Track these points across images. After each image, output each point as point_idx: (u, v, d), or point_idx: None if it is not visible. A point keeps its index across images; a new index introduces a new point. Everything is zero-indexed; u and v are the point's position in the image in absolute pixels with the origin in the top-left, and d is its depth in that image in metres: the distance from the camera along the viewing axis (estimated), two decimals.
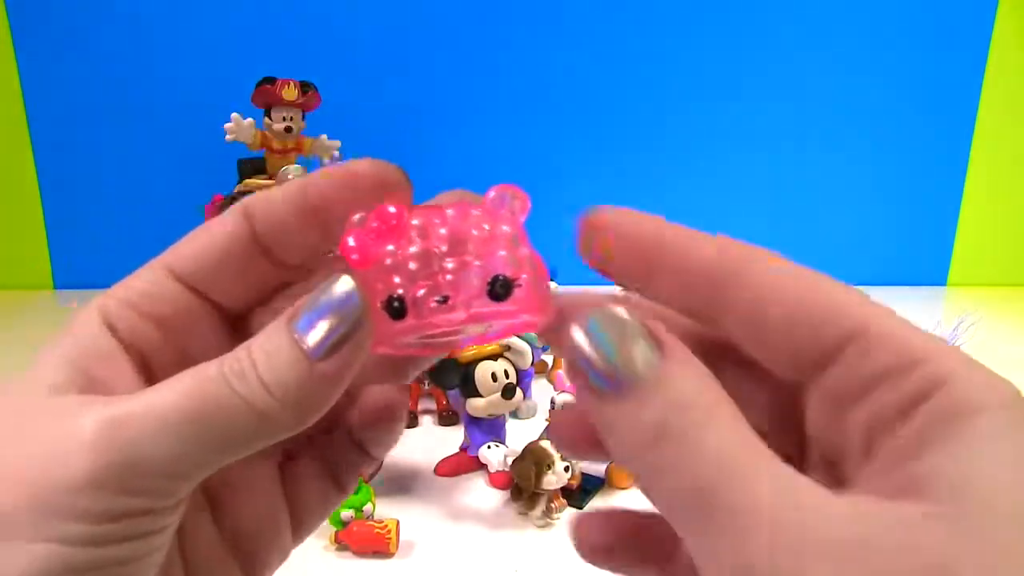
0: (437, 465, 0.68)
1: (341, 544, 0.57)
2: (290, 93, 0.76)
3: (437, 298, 0.17)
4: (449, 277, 0.17)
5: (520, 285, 0.17)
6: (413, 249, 0.17)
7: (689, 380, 0.15)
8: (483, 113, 1.17)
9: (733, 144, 1.20)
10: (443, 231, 0.18)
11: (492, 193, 0.19)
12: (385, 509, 0.61)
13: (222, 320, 0.20)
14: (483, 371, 0.65)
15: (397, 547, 0.57)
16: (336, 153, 0.83)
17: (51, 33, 1.11)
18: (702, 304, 0.17)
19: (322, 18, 1.11)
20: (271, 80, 0.76)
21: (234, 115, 0.76)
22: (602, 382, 0.15)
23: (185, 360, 0.18)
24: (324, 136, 0.82)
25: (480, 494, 0.65)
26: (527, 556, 0.57)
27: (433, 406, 0.79)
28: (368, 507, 0.57)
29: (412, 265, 0.17)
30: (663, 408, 0.15)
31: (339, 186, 0.19)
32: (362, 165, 0.19)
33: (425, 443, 0.71)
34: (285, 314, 0.17)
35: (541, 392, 0.80)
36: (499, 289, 0.17)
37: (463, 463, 0.68)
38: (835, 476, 0.16)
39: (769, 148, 1.20)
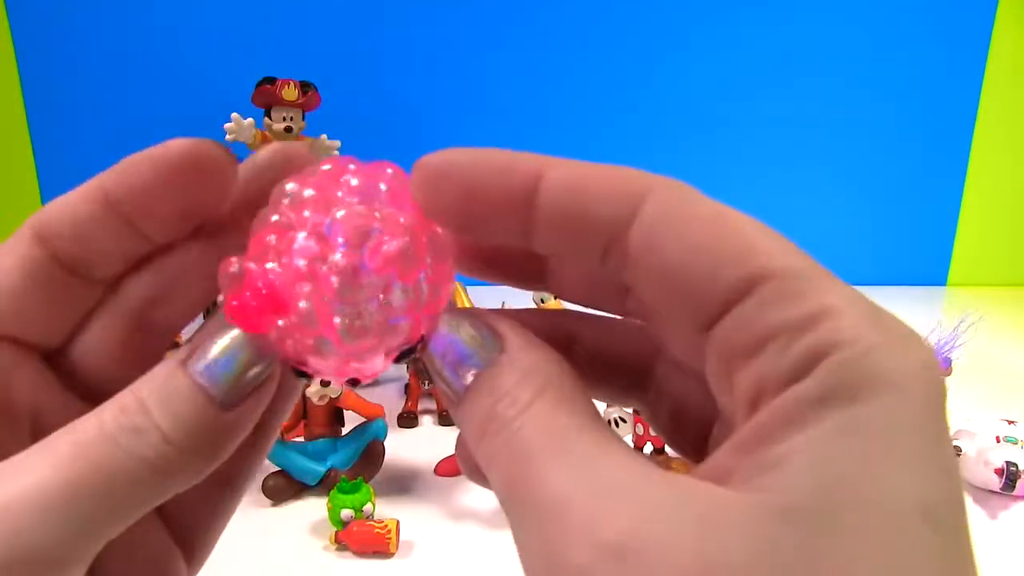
0: (437, 465, 0.68)
1: (341, 544, 0.57)
2: (290, 93, 0.76)
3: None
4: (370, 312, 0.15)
5: (416, 351, 0.16)
6: (303, 304, 0.15)
7: (517, 369, 0.14)
8: (483, 113, 1.17)
9: (732, 143, 1.20)
10: (338, 256, 0.15)
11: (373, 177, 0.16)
12: (385, 509, 0.61)
13: (38, 358, 0.16)
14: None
15: (397, 547, 0.57)
16: (336, 153, 0.83)
17: (51, 33, 1.11)
18: (589, 255, 0.14)
19: (322, 18, 1.11)
20: (271, 80, 0.76)
21: (234, 115, 0.76)
22: (450, 385, 0.15)
23: (11, 418, 0.15)
24: (324, 136, 0.82)
25: (480, 494, 0.65)
26: None
27: (433, 406, 0.79)
28: (368, 507, 0.57)
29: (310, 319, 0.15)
30: (489, 400, 0.14)
31: (145, 177, 0.16)
32: (169, 148, 0.16)
33: (425, 443, 0.71)
34: (175, 356, 0.15)
35: None
36: (406, 355, 0.16)
37: None
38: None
39: (768, 148, 1.20)
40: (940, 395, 0.12)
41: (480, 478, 0.16)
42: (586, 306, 0.18)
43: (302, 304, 0.15)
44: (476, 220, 0.15)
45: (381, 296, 0.15)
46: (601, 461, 0.12)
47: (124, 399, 0.14)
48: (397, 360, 0.16)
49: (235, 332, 0.15)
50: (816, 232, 1.24)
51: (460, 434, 0.17)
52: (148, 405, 0.14)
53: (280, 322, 0.15)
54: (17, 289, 0.16)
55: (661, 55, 1.16)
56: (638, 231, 0.14)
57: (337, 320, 0.15)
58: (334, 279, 0.15)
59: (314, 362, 0.15)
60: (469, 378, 0.15)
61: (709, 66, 1.17)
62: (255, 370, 0.15)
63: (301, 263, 0.15)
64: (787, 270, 0.13)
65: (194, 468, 0.15)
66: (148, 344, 0.17)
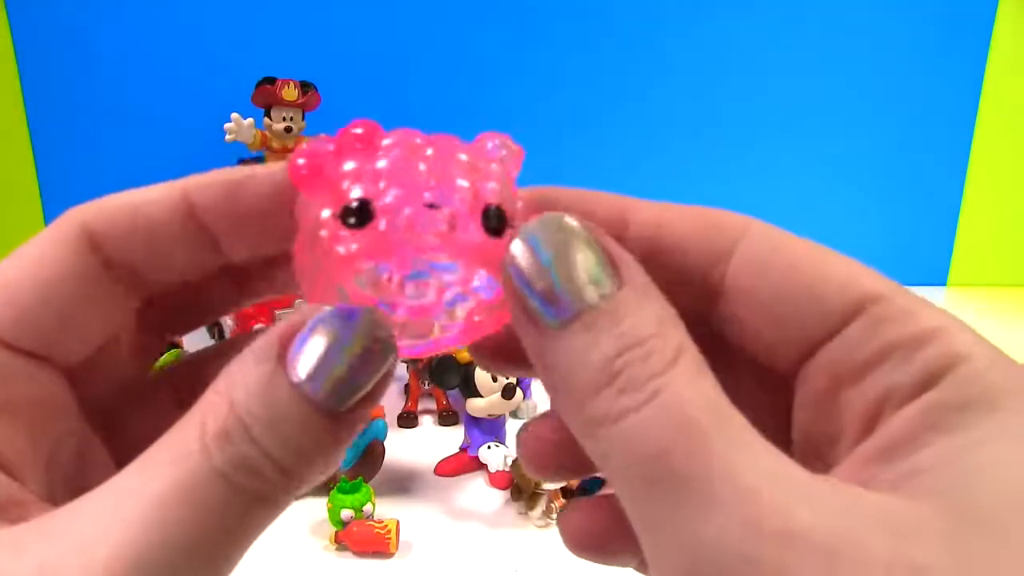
0: (437, 465, 0.68)
1: (341, 544, 0.57)
2: (290, 93, 0.76)
3: (423, 203, 0.13)
4: (433, 185, 0.13)
5: (513, 227, 0.14)
6: (383, 164, 0.13)
7: (648, 314, 0.12)
8: (483, 113, 1.17)
9: (731, 143, 1.20)
10: (429, 151, 0.14)
11: (483, 139, 0.15)
12: (385, 509, 0.61)
13: (65, 378, 0.15)
14: (483, 371, 0.65)
15: (397, 547, 0.57)
16: None
17: (51, 33, 1.11)
18: (691, 286, 0.15)
19: (322, 18, 1.11)
20: (271, 80, 0.76)
21: (234, 115, 0.76)
22: (543, 308, 0.13)
23: (36, 454, 0.14)
24: (324, 136, 0.82)
25: (480, 494, 0.65)
26: (527, 556, 0.57)
27: (433, 406, 0.79)
28: (368, 507, 0.57)
29: (385, 180, 0.13)
30: (615, 345, 0.12)
31: (250, 193, 0.15)
32: (276, 172, 0.15)
33: (425, 443, 0.71)
34: (266, 350, 0.13)
35: (541, 392, 0.80)
36: (493, 220, 0.13)
37: (463, 463, 0.68)
38: (818, 468, 0.13)
39: (768, 147, 1.20)
40: None
41: (567, 474, 0.15)
42: None
43: (382, 164, 0.13)
44: None
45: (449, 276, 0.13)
46: (765, 448, 0.12)
47: (226, 421, 0.12)
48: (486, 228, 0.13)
49: (333, 318, 0.13)
50: (816, 232, 1.23)
51: (527, 428, 0.16)
52: (254, 432, 0.12)
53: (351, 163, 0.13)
54: (63, 301, 0.14)
55: (661, 55, 1.16)
56: (740, 264, 0.14)
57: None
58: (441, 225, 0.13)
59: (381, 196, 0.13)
60: (578, 304, 0.12)
61: (709, 66, 1.17)
62: (371, 360, 0.13)
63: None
64: (893, 292, 0.13)
65: (310, 486, 0.13)
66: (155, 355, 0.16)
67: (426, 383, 0.78)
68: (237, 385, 0.13)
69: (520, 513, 0.62)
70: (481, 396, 0.65)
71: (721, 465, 0.11)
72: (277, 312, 0.79)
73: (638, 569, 0.16)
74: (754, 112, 1.18)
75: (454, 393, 0.69)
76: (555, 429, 0.16)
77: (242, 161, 0.93)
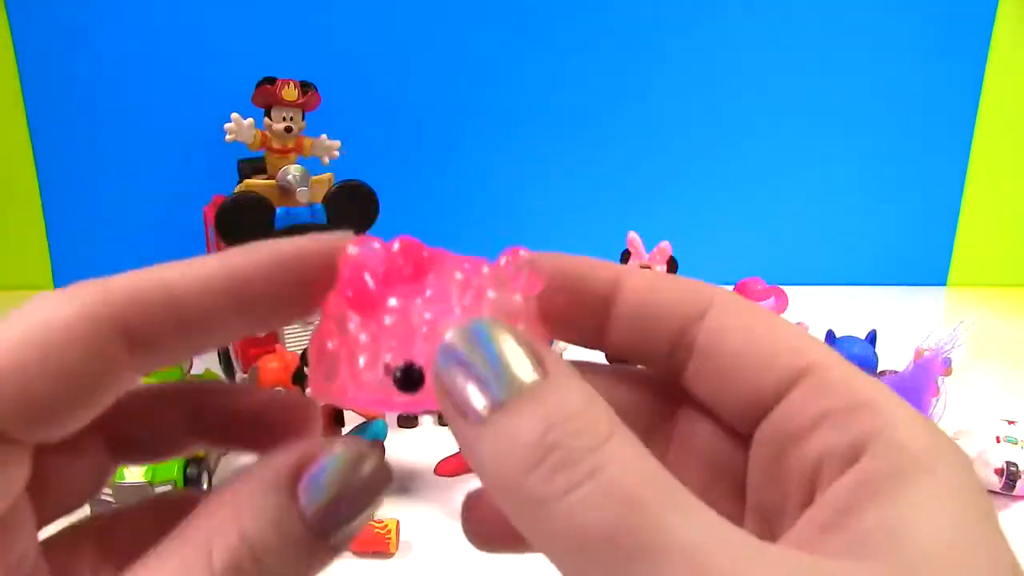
0: (437, 465, 0.68)
1: None
2: (290, 93, 0.76)
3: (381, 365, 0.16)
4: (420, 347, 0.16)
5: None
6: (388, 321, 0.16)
7: (574, 394, 0.13)
8: (483, 113, 1.17)
9: (730, 144, 1.20)
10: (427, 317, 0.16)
11: (503, 260, 0.17)
12: (385, 509, 0.61)
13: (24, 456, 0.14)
14: None
15: (397, 547, 0.57)
16: (337, 153, 0.83)
17: (51, 33, 1.11)
18: (667, 347, 0.16)
19: (322, 18, 1.11)
20: (271, 80, 0.76)
21: (234, 115, 0.76)
22: (470, 401, 0.13)
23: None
24: (324, 136, 0.82)
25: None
26: (527, 556, 0.57)
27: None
28: None
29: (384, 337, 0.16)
30: (542, 424, 0.12)
31: (303, 268, 0.16)
32: (324, 244, 0.16)
33: (425, 443, 0.71)
34: (278, 478, 0.14)
35: None
36: (400, 376, 0.16)
37: (463, 463, 0.68)
38: (769, 533, 0.14)
39: (767, 147, 1.20)
40: (977, 477, 0.13)
41: (515, 548, 0.16)
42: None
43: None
44: (558, 319, 0.16)
45: None
46: (713, 518, 0.12)
47: (237, 554, 0.12)
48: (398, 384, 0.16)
49: (366, 462, 0.14)
50: (816, 232, 1.24)
51: (471, 497, 0.17)
52: (266, 564, 0.13)
53: (393, 300, 0.16)
54: (56, 374, 0.13)
55: (661, 56, 1.16)
56: (709, 327, 0.16)
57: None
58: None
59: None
60: (503, 394, 0.13)
61: (708, 66, 1.17)
62: (373, 495, 0.14)
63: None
64: (832, 363, 0.15)
65: None
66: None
67: None
68: (247, 514, 0.13)
69: None
70: None
71: (672, 538, 0.11)
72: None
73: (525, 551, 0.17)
74: (753, 112, 1.18)
75: None
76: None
77: (242, 161, 0.93)
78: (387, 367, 0.16)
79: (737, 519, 0.14)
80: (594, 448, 0.12)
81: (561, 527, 0.12)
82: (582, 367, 0.16)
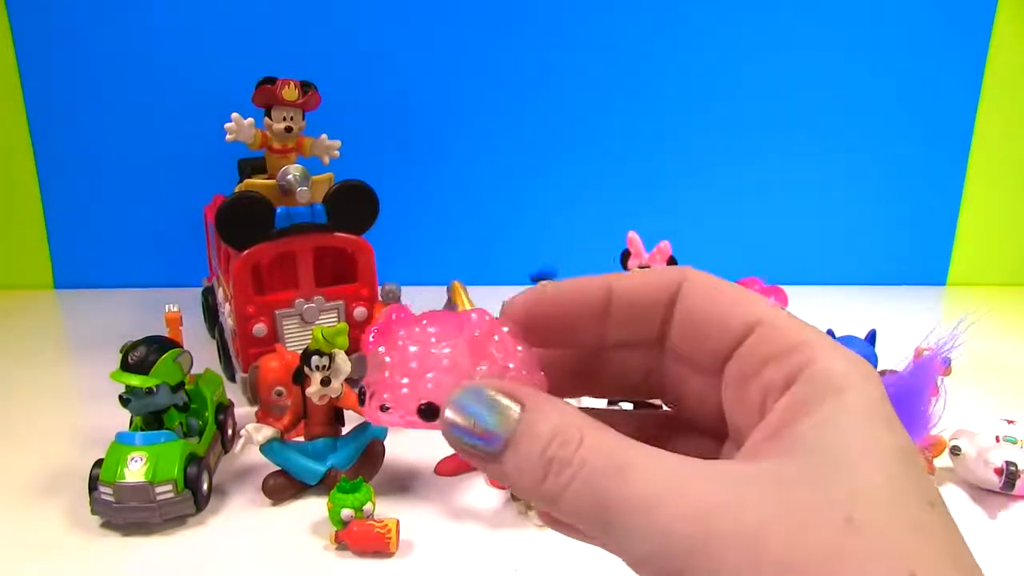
0: (437, 465, 0.68)
1: (341, 544, 0.57)
2: (290, 93, 0.76)
3: (379, 405, 0.21)
4: (396, 384, 0.21)
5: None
6: (388, 359, 0.22)
7: (550, 416, 0.18)
8: (483, 113, 1.17)
9: (731, 145, 1.20)
10: (412, 348, 0.22)
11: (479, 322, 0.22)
12: (385, 509, 0.61)
13: None
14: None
15: (397, 547, 0.57)
16: (337, 153, 0.83)
17: (51, 33, 1.11)
18: (654, 322, 0.21)
19: (322, 18, 1.11)
20: (271, 80, 0.76)
21: (234, 115, 0.76)
22: (483, 445, 0.18)
23: None
24: (324, 136, 0.82)
25: (480, 494, 0.65)
26: (527, 556, 0.57)
27: None
28: (368, 507, 0.57)
29: (386, 372, 0.22)
30: (539, 443, 0.17)
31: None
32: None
33: (425, 443, 0.71)
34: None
35: None
36: (423, 411, 0.20)
37: (463, 463, 0.68)
38: (737, 453, 0.19)
39: (768, 149, 1.20)
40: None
41: (550, 518, 0.21)
42: (625, 397, 0.26)
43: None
44: (566, 329, 0.22)
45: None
46: (668, 456, 0.17)
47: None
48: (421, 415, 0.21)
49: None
50: (816, 232, 1.24)
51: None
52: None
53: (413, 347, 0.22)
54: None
55: (660, 56, 1.16)
56: (681, 303, 0.21)
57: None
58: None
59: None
60: (504, 435, 0.18)
61: (708, 67, 1.17)
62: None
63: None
64: (774, 316, 0.19)
65: None
66: None
67: None
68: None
69: (520, 513, 0.62)
70: None
71: (631, 496, 0.16)
72: (277, 312, 0.79)
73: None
74: (753, 113, 1.18)
75: None
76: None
77: (242, 161, 0.93)
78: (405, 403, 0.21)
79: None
80: (577, 448, 0.17)
81: (572, 511, 0.17)
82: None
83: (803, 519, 0.15)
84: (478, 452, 0.18)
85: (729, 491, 0.16)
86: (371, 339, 0.23)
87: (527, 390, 0.19)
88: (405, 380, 0.21)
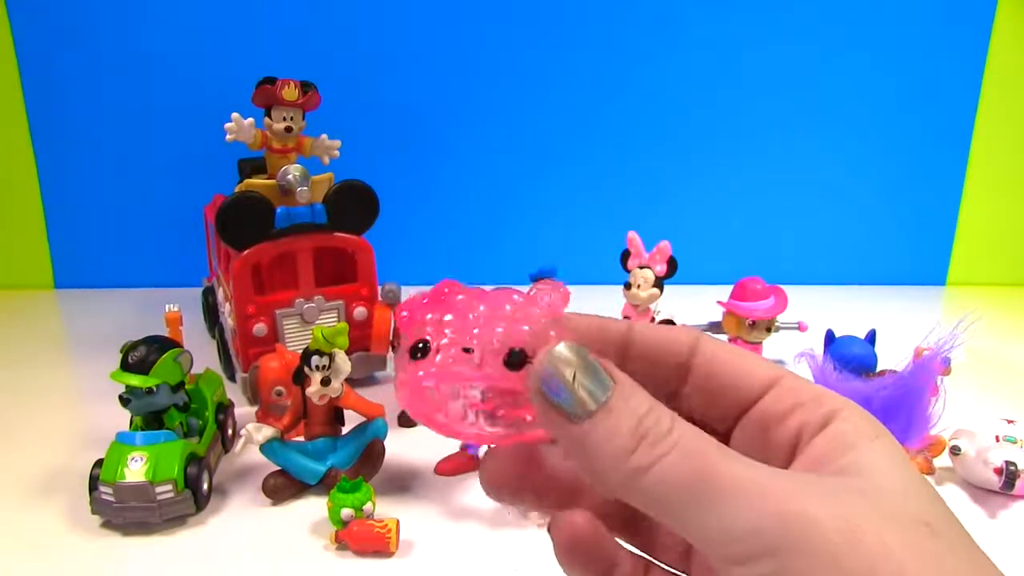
0: (437, 465, 0.68)
1: (341, 543, 0.57)
2: (290, 93, 0.76)
3: (459, 348, 0.20)
4: (476, 332, 0.20)
5: (532, 362, 0.19)
6: (449, 317, 0.21)
7: (641, 395, 0.19)
8: (483, 113, 1.17)
9: (731, 145, 1.20)
10: (481, 307, 0.21)
11: (535, 288, 0.22)
12: (385, 509, 0.61)
13: None
14: None
15: (397, 547, 0.57)
16: (337, 153, 0.83)
17: (51, 33, 1.11)
18: (668, 374, 0.22)
19: (322, 18, 1.11)
20: (271, 80, 0.76)
21: (234, 115, 0.76)
22: (574, 408, 0.18)
23: None
24: (324, 136, 0.82)
25: (480, 494, 0.65)
26: (527, 556, 0.57)
27: None
28: (368, 506, 0.57)
29: (447, 328, 0.20)
30: (633, 418, 0.18)
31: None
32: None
33: (425, 443, 0.71)
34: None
35: None
36: (513, 359, 0.19)
37: (463, 463, 0.68)
38: None
39: (768, 149, 1.20)
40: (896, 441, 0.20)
41: (526, 498, 0.23)
42: None
43: (448, 316, 0.21)
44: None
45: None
46: (751, 460, 0.18)
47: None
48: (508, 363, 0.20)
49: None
50: (816, 232, 1.24)
51: (488, 456, 0.23)
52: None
53: (430, 315, 0.21)
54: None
55: (660, 56, 1.16)
56: (700, 359, 0.22)
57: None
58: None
59: (437, 339, 0.20)
60: (598, 401, 0.18)
61: (708, 67, 1.17)
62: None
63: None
64: (789, 374, 0.21)
65: None
66: None
67: None
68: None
69: (520, 513, 0.62)
70: None
71: (730, 476, 0.17)
72: (277, 312, 0.79)
73: (530, 506, 0.24)
74: (753, 113, 1.18)
75: None
76: (513, 462, 0.23)
77: (242, 161, 0.93)
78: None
79: None
80: (670, 430, 0.18)
81: (659, 486, 0.17)
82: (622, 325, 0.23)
83: (886, 516, 0.16)
84: (567, 411, 0.18)
85: (816, 488, 0.17)
86: (404, 314, 0.21)
87: (617, 369, 0.19)
88: (499, 329, 0.20)
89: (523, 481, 0.23)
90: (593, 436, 0.18)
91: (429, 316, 0.21)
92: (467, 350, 0.19)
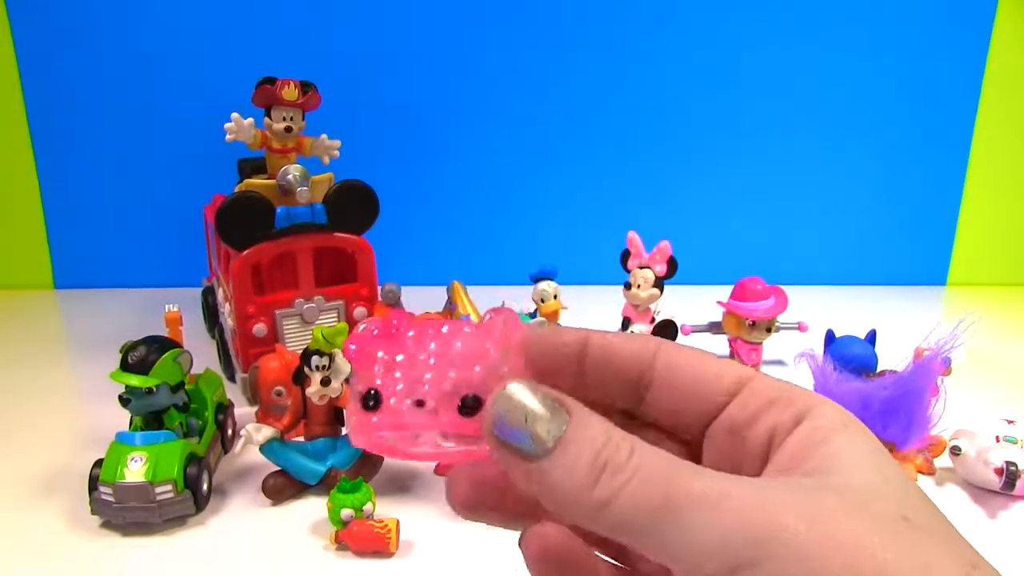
0: (437, 465, 0.68)
1: (341, 543, 0.57)
2: (290, 93, 0.76)
3: (412, 400, 0.20)
4: (428, 378, 0.20)
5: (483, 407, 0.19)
6: (400, 357, 0.20)
7: (597, 423, 0.18)
8: (483, 113, 1.17)
9: (732, 146, 1.20)
10: (432, 345, 0.20)
11: (487, 316, 0.21)
12: (385, 509, 0.61)
13: None
14: None
15: (397, 547, 0.57)
16: (337, 153, 0.83)
17: (51, 33, 1.11)
18: (629, 385, 0.21)
19: (322, 18, 1.11)
20: (271, 80, 0.76)
21: (234, 115, 0.76)
22: (530, 447, 0.18)
23: None
24: (324, 136, 0.82)
25: None
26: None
27: None
28: (368, 507, 0.57)
29: (398, 370, 0.20)
30: (592, 449, 0.17)
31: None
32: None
33: None
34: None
35: None
36: (467, 405, 0.19)
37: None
38: None
39: (768, 149, 1.20)
40: (867, 429, 0.20)
41: (491, 516, 0.23)
42: None
43: (399, 357, 0.21)
44: (548, 372, 0.21)
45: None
46: (715, 472, 0.17)
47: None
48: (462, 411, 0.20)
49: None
50: (816, 232, 1.24)
51: (456, 473, 0.22)
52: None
53: (381, 353, 0.21)
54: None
55: (660, 56, 1.16)
56: (660, 365, 0.21)
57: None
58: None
59: (390, 390, 0.21)
60: (554, 437, 0.18)
61: (709, 67, 1.17)
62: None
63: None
64: (757, 375, 0.21)
65: None
66: None
67: None
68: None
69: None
70: None
71: (696, 492, 0.17)
72: (277, 312, 0.79)
73: (502, 525, 0.24)
74: (754, 113, 1.18)
75: None
76: (480, 479, 0.22)
77: (242, 161, 0.93)
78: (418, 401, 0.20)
79: None
80: (630, 455, 0.17)
81: (625, 514, 0.17)
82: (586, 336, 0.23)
83: (863, 513, 0.16)
84: (523, 451, 0.18)
85: (787, 493, 0.17)
86: (353, 348, 0.21)
87: (571, 399, 0.19)
88: (452, 373, 0.20)
89: (492, 501, 0.23)
90: (553, 473, 0.18)
91: (380, 354, 0.20)
92: (419, 403, 0.20)
